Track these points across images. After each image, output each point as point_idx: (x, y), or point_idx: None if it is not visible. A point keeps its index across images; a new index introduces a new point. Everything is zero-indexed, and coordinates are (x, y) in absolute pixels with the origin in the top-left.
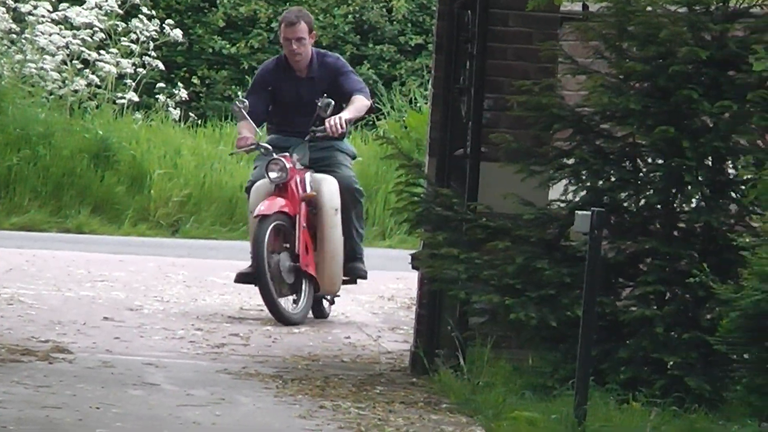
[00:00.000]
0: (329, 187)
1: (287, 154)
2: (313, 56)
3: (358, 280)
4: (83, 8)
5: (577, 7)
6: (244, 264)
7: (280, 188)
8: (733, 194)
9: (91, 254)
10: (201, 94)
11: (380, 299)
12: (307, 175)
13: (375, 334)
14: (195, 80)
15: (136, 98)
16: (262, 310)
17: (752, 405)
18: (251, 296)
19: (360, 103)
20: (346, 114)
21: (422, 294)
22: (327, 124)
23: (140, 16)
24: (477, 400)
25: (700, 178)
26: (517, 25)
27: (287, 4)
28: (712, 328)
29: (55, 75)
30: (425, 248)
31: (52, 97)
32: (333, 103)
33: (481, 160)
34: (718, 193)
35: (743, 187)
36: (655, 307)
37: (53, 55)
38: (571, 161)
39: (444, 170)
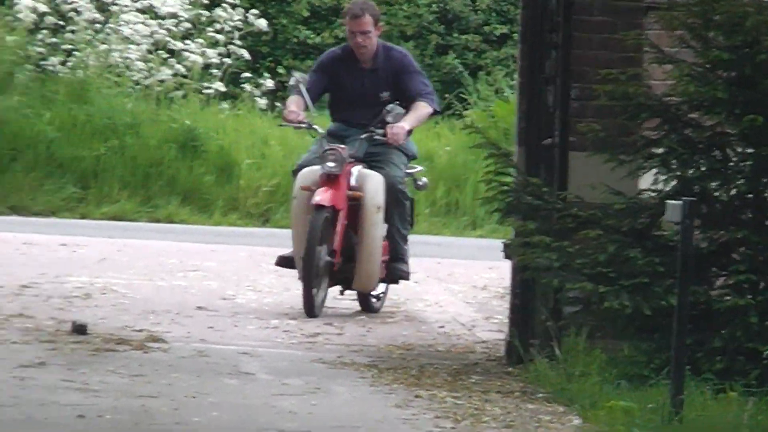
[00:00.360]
0: (374, 185)
1: (343, 146)
2: (379, 48)
3: (400, 281)
4: None
5: None
6: None
7: (330, 179)
8: None
9: (182, 244)
10: (286, 84)
11: (473, 289)
12: (354, 170)
13: (469, 323)
14: (280, 70)
15: (222, 88)
16: (355, 299)
17: None
18: None
19: (423, 111)
20: (408, 124)
21: (515, 283)
22: (388, 131)
23: (224, 5)
24: (572, 390)
25: None
26: (601, 15)
27: None
28: None
29: (141, 65)
30: (517, 237)
31: (138, 87)
32: (402, 112)
33: (570, 150)
34: None
35: None
36: (749, 297)
37: (138, 45)
38: (659, 150)
39: (533, 159)
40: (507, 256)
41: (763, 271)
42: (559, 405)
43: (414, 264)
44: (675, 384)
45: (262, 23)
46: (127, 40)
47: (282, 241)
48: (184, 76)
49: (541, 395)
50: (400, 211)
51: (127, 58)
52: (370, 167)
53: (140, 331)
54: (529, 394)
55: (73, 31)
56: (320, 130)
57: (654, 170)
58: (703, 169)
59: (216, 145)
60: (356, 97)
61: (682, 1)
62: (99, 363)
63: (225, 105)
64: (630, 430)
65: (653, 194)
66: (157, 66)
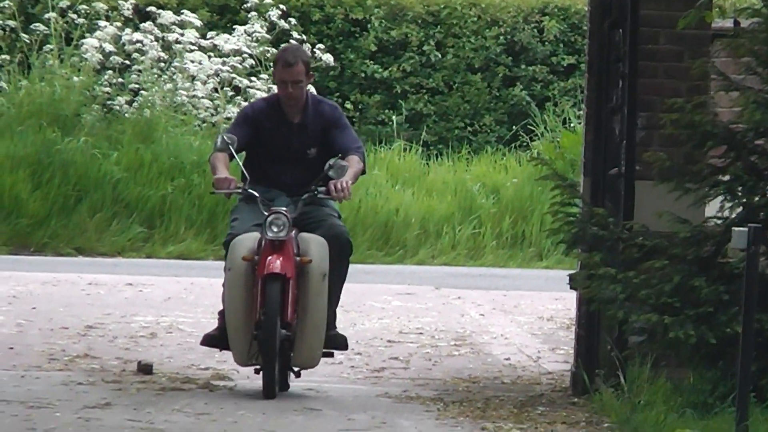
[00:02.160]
0: (320, 249)
1: (284, 208)
2: (308, 101)
3: (336, 352)
4: (232, 36)
5: (729, 23)
6: (401, 288)
7: (276, 246)
8: None
9: None
10: (354, 119)
11: (539, 320)
12: (293, 234)
13: (535, 354)
14: (348, 105)
15: None
16: (421, 333)
17: None
18: (410, 320)
19: (358, 168)
20: (351, 179)
21: (581, 314)
22: (333, 188)
23: (291, 41)
24: (638, 419)
25: None
26: (668, 43)
27: (438, 26)
28: None
29: (207, 102)
30: (582, 269)
31: (205, 125)
32: (346, 167)
33: (636, 179)
34: None
35: None
36: None
37: (204, 83)
38: (725, 178)
39: (599, 190)
40: (573, 288)
41: None
42: None
43: (480, 296)
44: (740, 411)
45: (329, 58)
46: (192, 78)
47: (348, 276)
48: None
49: (606, 425)
50: (342, 270)
51: (193, 96)
52: (304, 230)
53: (206, 369)
54: (594, 425)
55: (139, 71)
56: (257, 195)
57: (720, 198)
58: None
59: None
60: (281, 154)
61: (749, 28)
62: (165, 402)
63: None
64: None
65: (719, 222)
66: (224, 103)
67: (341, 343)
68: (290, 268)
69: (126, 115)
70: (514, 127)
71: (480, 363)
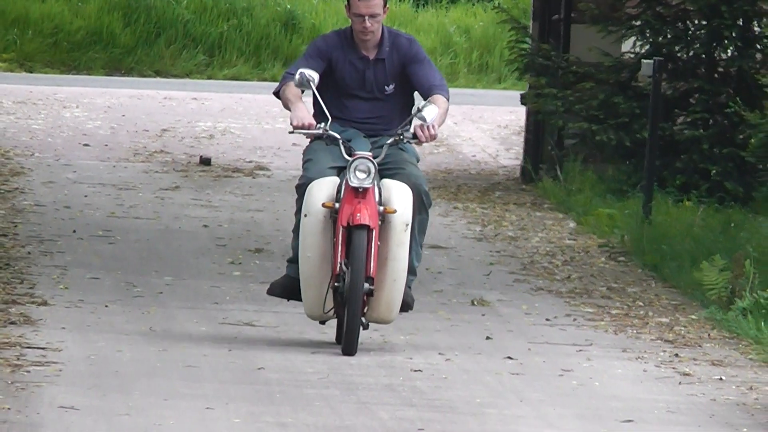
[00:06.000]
0: (403, 198)
1: (369, 153)
2: (384, 35)
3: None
4: None
5: None
6: None
7: (358, 194)
8: (758, 46)
9: None
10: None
11: (498, 127)
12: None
13: (494, 153)
14: None
15: None
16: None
17: None
18: None
19: (444, 107)
20: (438, 123)
21: (529, 123)
22: (419, 131)
23: None
24: (570, 201)
25: (734, 34)
26: None
27: None
28: (744, 145)
29: None
30: (531, 89)
31: None
32: (436, 109)
33: (572, 23)
34: (748, 45)
35: (765, 41)
36: (701, 130)
37: None
38: (638, 23)
39: (545, 31)
40: (523, 104)
41: (713, 110)
42: (560, 213)
43: (453, 110)
44: (646, 195)
45: None
46: None
47: None
48: None
49: (546, 206)
50: (422, 219)
51: None
52: (383, 175)
53: (250, 162)
54: (537, 205)
55: None
56: (339, 137)
57: (633, 38)
58: (669, 36)
59: (309, 23)
60: (353, 91)
61: None
62: (219, 186)
63: None
64: (612, 231)
65: (632, 56)
66: None
67: (410, 303)
68: (374, 219)
69: None
70: None
71: (453, 159)
